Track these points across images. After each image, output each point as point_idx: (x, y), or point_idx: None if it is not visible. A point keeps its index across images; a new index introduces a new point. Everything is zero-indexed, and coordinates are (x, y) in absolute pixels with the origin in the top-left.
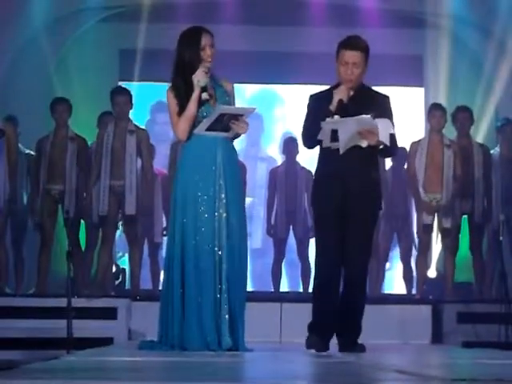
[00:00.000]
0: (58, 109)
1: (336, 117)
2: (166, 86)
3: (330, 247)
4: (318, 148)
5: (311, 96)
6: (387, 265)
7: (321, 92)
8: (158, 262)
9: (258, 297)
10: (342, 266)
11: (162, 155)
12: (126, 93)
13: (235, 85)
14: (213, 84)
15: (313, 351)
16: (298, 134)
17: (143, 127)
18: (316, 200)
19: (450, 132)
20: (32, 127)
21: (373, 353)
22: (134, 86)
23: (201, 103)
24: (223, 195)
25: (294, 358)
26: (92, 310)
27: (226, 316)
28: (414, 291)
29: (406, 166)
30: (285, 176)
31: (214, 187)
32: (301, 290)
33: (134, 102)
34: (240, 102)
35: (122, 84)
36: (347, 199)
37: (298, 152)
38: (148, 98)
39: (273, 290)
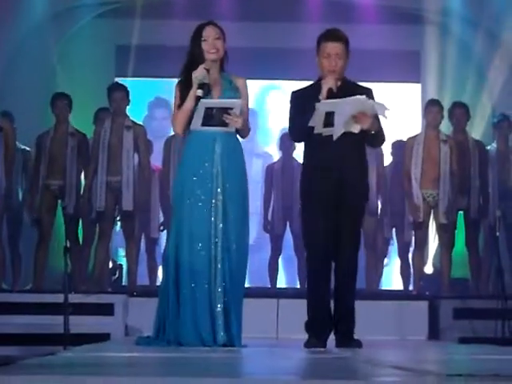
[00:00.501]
0: (59, 104)
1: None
2: (163, 81)
3: (320, 240)
4: None
5: (294, 92)
6: (385, 260)
7: (303, 88)
8: (155, 258)
9: (254, 293)
10: (333, 259)
11: (160, 151)
12: (123, 89)
13: None
14: (220, 79)
15: (309, 348)
16: None
17: (140, 123)
18: (306, 191)
19: (446, 128)
20: (28, 123)
21: (369, 348)
22: (130, 82)
23: (198, 99)
24: (220, 189)
25: (290, 354)
26: (89, 305)
27: (220, 312)
28: (411, 287)
29: None
30: (281, 172)
31: (211, 181)
32: (298, 285)
33: (130, 97)
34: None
35: (119, 80)
36: (340, 189)
37: (294, 148)
38: (145, 94)
39: (270, 286)
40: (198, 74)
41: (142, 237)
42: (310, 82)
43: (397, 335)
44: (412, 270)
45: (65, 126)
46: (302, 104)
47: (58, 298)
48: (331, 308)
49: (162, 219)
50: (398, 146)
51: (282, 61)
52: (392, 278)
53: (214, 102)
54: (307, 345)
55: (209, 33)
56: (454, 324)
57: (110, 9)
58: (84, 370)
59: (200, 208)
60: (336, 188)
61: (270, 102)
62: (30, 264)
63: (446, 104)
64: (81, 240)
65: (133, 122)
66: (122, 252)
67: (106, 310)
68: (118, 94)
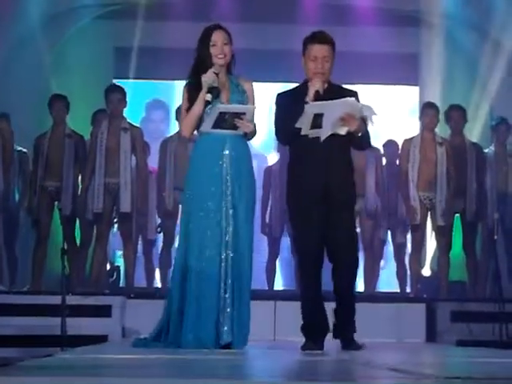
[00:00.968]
0: (56, 106)
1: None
2: (162, 83)
3: (310, 243)
4: None
5: (279, 94)
6: (382, 263)
7: (289, 90)
8: (151, 260)
9: (252, 295)
10: (332, 260)
11: (157, 153)
12: (120, 90)
13: None
14: (228, 83)
15: (307, 351)
16: None
17: (137, 125)
18: (293, 194)
19: (443, 130)
20: (25, 125)
21: (367, 351)
22: (128, 84)
23: (207, 103)
24: (229, 192)
25: (287, 357)
26: (86, 307)
27: (229, 316)
28: (408, 289)
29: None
30: (279, 174)
31: (221, 184)
32: (295, 288)
33: (128, 99)
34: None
35: (117, 82)
36: (326, 191)
37: None
38: (143, 96)
39: (267, 288)
40: (208, 78)
41: (139, 239)
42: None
43: (394, 338)
44: (409, 273)
45: (62, 127)
46: (288, 106)
47: (56, 300)
48: (325, 310)
49: (158, 221)
50: (391, 146)
51: (279, 63)
52: (390, 280)
53: (229, 107)
54: (304, 348)
55: (217, 37)
56: (451, 327)
57: (108, 10)
58: (81, 372)
59: (211, 217)
60: (323, 190)
61: (265, 103)
62: (27, 265)
63: (445, 107)
64: (78, 241)
65: (130, 123)
66: (119, 254)
67: (104, 311)
68: (116, 96)
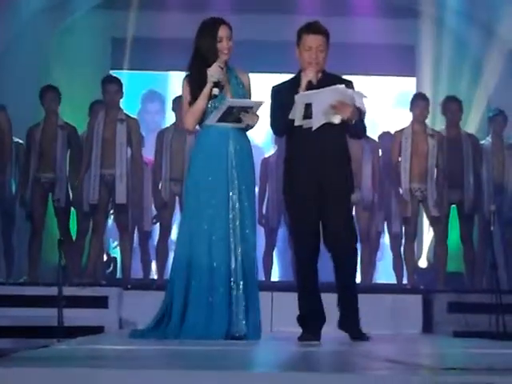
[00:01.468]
0: (47, 97)
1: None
2: (158, 74)
3: (306, 233)
4: None
5: (274, 87)
6: (378, 254)
7: (284, 82)
8: (148, 251)
9: None
10: (330, 251)
11: (152, 144)
12: (117, 81)
13: None
14: (228, 75)
15: (304, 342)
16: None
17: (134, 116)
18: (289, 185)
19: (439, 122)
20: (22, 116)
21: (364, 342)
22: (125, 75)
23: (211, 97)
24: (236, 184)
25: (284, 348)
26: (83, 298)
27: (243, 308)
28: (405, 281)
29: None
30: (276, 165)
31: (226, 177)
32: (291, 278)
33: (125, 90)
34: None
35: (114, 73)
36: (323, 181)
37: None
38: (140, 87)
39: (264, 279)
40: (214, 73)
41: (135, 230)
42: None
43: (391, 329)
44: (404, 264)
45: (54, 118)
46: (282, 98)
47: (52, 291)
48: (322, 301)
49: (154, 212)
50: (387, 138)
51: (276, 54)
52: (386, 271)
53: (239, 101)
54: (301, 338)
55: (223, 33)
56: (448, 318)
57: (105, 0)
58: (78, 363)
59: (218, 210)
60: (319, 180)
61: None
62: (24, 257)
63: (441, 98)
64: (74, 233)
65: (126, 114)
66: (115, 245)
67: (100, 302)
68: (112, 87)
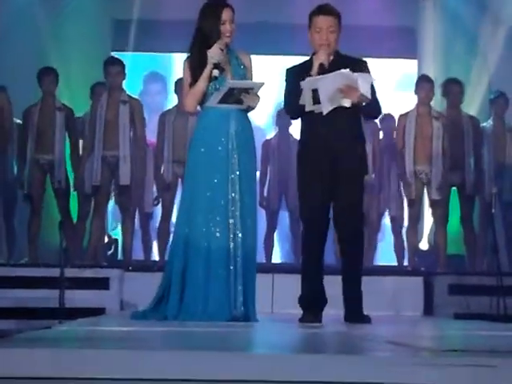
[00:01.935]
0: (45, 79)
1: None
2: (160, 56)
3: (316, 214)
4: None
5: (288, 69)
6: (379, 236)
7: (297, 64)
8: (149, 232)
9: None
10: (338, 231)
11: (154, 125)
12: (119, 63)
13: None
14: (229, 57)
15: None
16: None
17: (136, 97)
18: (302, 166)
19: (439, 104)
20: (23, 98)
21: (364, 324)
22: (127, 57)
23: (211, 78)
24: (237, 166)
25: (285, 329)
26: (84, 280)
27: (241, 290)
28: (406, 263)
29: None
30: (277, 147)
31: (227, 158)
32: (292, 261)
33: (127, 72)
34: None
35: (115, 54)
36: (336, 164)
37: (290, 124)
38: (141, 69)
39: (265, 261)
40: (214, 54)
41: (136, 212)
42: (305, 58)
43: (392, 311)
44: (406, 247)
45: (51, 100)
46: (295, 81)
47: (54, 273)
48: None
49: (155, 194)
50: (388, 120)
51: (277, 35)
52: (387, 253)
53: (239, 82)
54: (302, 320)
55: (227, 16)
56: (448, 300)
57: None
58: (79, 344)
59: (217, 189)
60: (332, 163)
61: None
62: (25, 238)
63: (443, 80)
64: (76, 214)
65: (129, 96)
66: (114, 226)
67: (102, 284)
68: (114, 69)
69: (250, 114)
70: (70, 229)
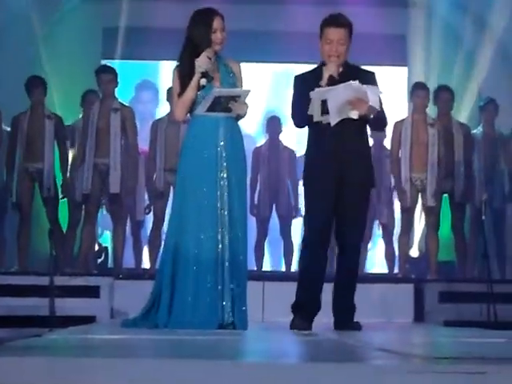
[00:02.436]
0: (34, 90)
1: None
2: (151, 64)
3: (319, 222)
4: (303, 129)
5: (297, 77)
6: (369, 244)
7: (306, 72)
8: (140, 241)
9: None
10: (338, 243)
11: (146, 134)
12: (111, 71)
13: None
14: (217, 65)
15: (296, 330)
16: (280, 112)
17: (128, 105)
18: (309, 180)
19: (431, 111)
20: (13, 106)
21: (356, 331)
22: (116, 65)
23: (200, 87)
24: (226, 174)
25: (277, 337)
26: (75, 288)
27: (229, 297)
28: (396, 270)
29: (388, 146)
30: (268, 155)
31: (216, 166)
32: (283, 268)
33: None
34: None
35: (105, 62)
36: (343, 177)
37: (281, 131)
38: (131, 77)
39: (255, 269)
40: (202, 63)
41: (127, 220)
42: (295, 65)
43: (383, 318)
44: (397, 254)
45: (40, 108)
46: (303, 89)
47: (44, 281)
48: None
49: (147, 202)
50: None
51: (268, 43)
52: (377, 261)
53: (225, 90)
54: (293, 326)
55: (218, 25)
56: (439, 307)
57: None
58: (69, 352)
59: (207, 199)
60: (339, 176)
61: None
62: (15, 246)
63: (433, 87)
64: (66, 222)
65: (121, 103)
66: (107, 234)
67: (92, 292)
68: (106, 76)
69: (240, 122)
70: (59, 237)
